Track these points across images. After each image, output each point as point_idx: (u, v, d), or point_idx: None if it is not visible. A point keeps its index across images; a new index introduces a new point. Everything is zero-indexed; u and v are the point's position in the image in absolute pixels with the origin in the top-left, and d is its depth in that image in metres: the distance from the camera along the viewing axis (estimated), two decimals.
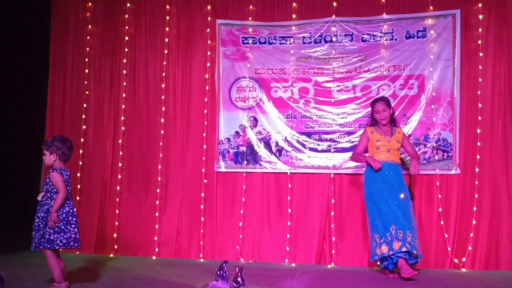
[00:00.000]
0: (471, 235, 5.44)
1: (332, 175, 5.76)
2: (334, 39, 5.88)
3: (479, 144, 5.50)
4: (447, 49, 5.63)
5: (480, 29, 5.56)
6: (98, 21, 6.27)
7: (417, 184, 5.62)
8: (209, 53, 6.05)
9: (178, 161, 6.04)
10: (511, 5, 5.54)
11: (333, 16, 5.86)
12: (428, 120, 5.64)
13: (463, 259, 5.41)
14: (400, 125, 5.60)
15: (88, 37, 6.25)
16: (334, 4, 5.86)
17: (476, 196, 5.47)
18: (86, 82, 6.21)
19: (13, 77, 5.98)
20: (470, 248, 5.42)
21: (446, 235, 5.46)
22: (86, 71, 6.23)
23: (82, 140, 6.14)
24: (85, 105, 6.18)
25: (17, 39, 6.06)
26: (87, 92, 6.21)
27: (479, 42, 5.56)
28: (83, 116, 6.17)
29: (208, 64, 6.04)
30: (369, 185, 5.10)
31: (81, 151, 6.12)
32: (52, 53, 6.31)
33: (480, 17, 5.56)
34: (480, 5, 5.57)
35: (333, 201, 5.72)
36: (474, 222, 5.45)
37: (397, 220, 4.83)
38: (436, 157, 5.57)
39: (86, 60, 6.23)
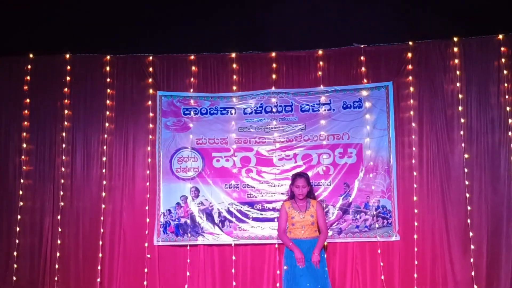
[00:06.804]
0: None
1: (276, 245, 5.76)
2: (274, 109, 5.99)
3: (416, 211, 5.66)
4: (382, 119, 5.84)
5: (411, 100, 5.80)
6: (35, 94, 6.11)
7: (359, 252, 5.70)
8: (151, 125, 6.03)
9: (119, 236, 5.91)
10: (439, 77, 5.82)
11: (273, 88, 5.99)
12: (367, 188, 5.77)
13: None
14: (319, 197, 5.68)
15: (25, 111, 6.10)
16: (273, 76, 6.00)
17: (416, 262, 5.59)
18: (23, 157, 6.02)
19: None
20: None
21: None
22: (24, 145, 6.05)
23: (19, 217, 5.91)
24: (22, 181, 5.99)
25: None
26: (24, 167, 6.02)
27: (411, 112, 5.79)
28: (20, 192, 5.97)
29: (150, 137, 6.01)
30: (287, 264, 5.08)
31: (17, 229, 5.89)
32: None
33: (411, 89, 5.81)
34: (410, 77, 5.83)
35: (278, 272, 5.70)
36: None
37: None
38: (377, 225, 5.68)
39: (24, 134, 6.06)
